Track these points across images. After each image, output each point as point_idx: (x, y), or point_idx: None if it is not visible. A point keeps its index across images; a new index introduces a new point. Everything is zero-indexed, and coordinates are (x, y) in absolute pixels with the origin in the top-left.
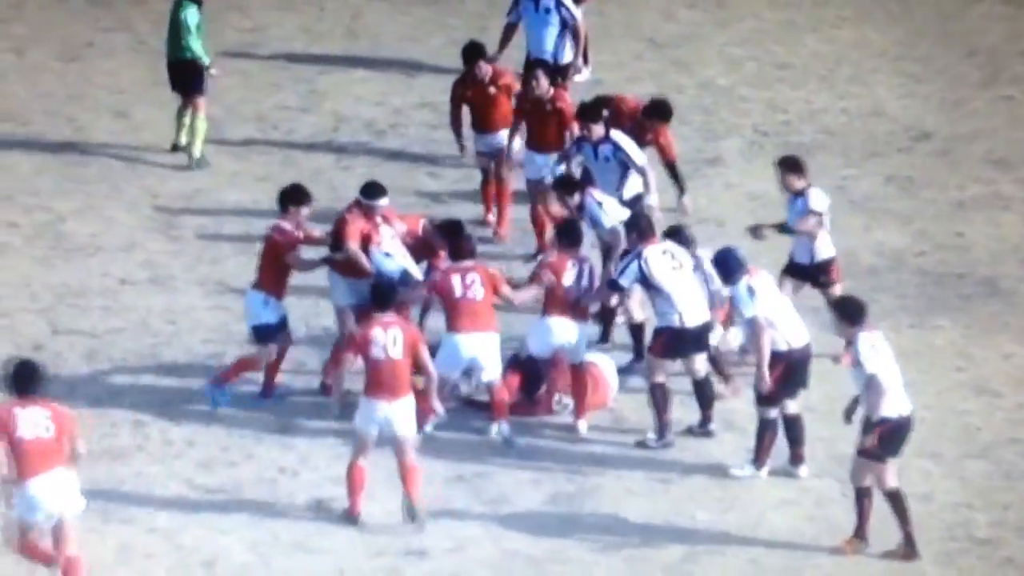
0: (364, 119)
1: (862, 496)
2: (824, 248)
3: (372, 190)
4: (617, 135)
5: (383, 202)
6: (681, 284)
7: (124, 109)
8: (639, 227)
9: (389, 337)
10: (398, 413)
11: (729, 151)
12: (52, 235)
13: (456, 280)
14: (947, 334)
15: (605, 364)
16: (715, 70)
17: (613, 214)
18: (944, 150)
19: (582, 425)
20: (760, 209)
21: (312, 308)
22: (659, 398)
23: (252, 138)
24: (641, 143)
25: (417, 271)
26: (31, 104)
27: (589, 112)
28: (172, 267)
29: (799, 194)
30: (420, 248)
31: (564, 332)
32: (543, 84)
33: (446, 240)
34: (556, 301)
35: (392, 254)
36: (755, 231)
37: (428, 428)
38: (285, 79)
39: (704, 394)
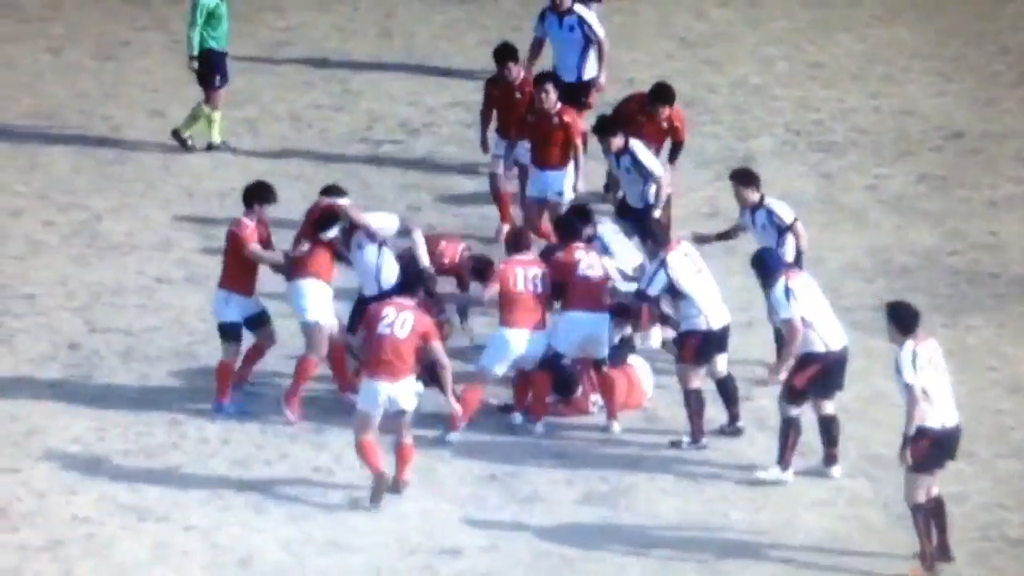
0: (398, 118)
1: (919, 514)
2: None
3: (332, 191)
4: (635, 145)
5: (346, 201)
6: (704, 286)
7: (160, 108)
8: (654, 235)
9: (400, 318)
10: (398, 392)
11: (761, 150)
12: (88, 233)
13: (519, 273)
14: (980, 333)
15: (640, 365)
16: (747, 69)
17: (622, 255)
18: (976, 149)
19: (615, 426)
20: (794, 208)
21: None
22: (695, 404)
23: (286, 137)
24: (656, 132)
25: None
26: (67, 103)
27: (607, 126)
28: (207, 265)
29: (755, 207)
30: (452, 274)
31: (587, 325)
32: (552, 97)
33: (476, 277)
34: (575, 294)
35: (363, 246)
36: (699, 239)
37: (455, 436)
38: (319, 78)
39: (728, 392)
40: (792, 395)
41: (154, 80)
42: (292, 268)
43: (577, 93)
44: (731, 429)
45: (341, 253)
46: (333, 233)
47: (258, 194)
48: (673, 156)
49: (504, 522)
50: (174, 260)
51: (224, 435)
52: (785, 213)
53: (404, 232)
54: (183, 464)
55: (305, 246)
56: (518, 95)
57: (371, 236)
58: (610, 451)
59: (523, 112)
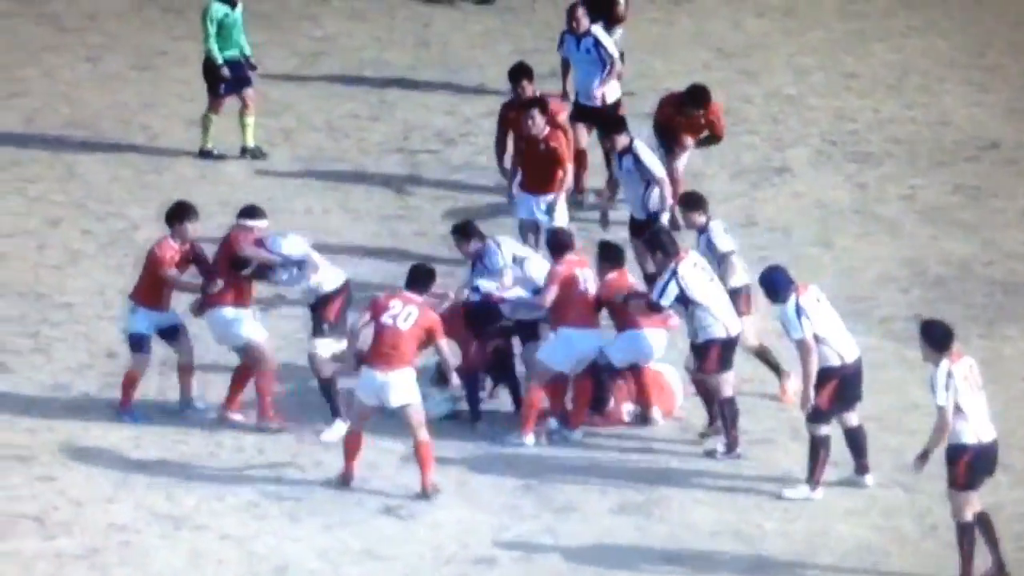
0: (434, 128)
1: (965, 534)
2: (736, 278)
3: (251, 212)
4: (639, 146)
5: (262, 223)
6: (716, 294)
7: (197, 117)
8: (663, 245)
9: (405, 311)
10: (393, 383)
11: (797, 160)
12: (125, 242)
13: (578, 274)
14: (1016, 344)
15: (670, 373)
16: (783, 79)
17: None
18: (1012, 159)
19: (656, 412)
20: (829, 218)
21: None
22: (729, 413)
23: (323, 147)
24: (694, 131)
25: (321, 260)
26: (105, 112)
27: (613, 124)
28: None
29: (702, 230)
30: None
31: (651, 341)
32: (538, 123)
33: (555, 252)
34: (628, 314)
35: (286, 235)
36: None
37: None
38: (355, 88)
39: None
40: (819, 415)
41: (191, 90)
42: (210, 297)
43: (599, 116)
44: (711, 430)
45: (262, 275)
46: (248, 271)
47: (179, 214)
48: (705, 144)
49: (538, 532)
50: None
51: (260, 444)
52: (722, 242)
53: (302, 262)
54: (219, 473)
55: (220, 282)
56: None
57: (283, 266)
58: (644, 461)
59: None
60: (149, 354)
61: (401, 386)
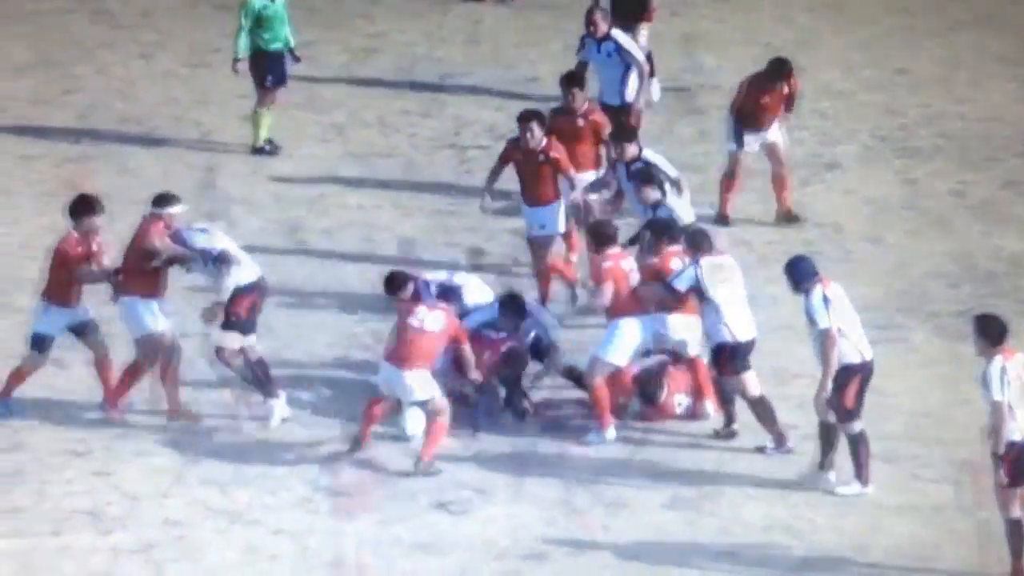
0: (485, 123)
1: (1012, 528)
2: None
3: (161, 200)
4: (649, 154)
5: (176, 209)
6: (731, 297)
7: (249, 114)
8: (696, 242)
9: (432, 315)
10: (405, 380)
11: (847, 156)
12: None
13: (624, 266)
14: None
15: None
16: (833, 75)
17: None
18: None
19: (709, 406)
20: (878, 214)
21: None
22: (761, 412)
23: (374, 143)
24: (777, 104)
25: (240, 255)
26: (159, 109)
27: (624, 133)
28: (295, 270)
29: (656, 205)
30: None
31: (684, 328)
32: (537, 135)
33: (598, 243)
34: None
35: (207, 230)
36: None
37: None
38: (407, 84)
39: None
40: (847, 415)
41: (244, 86)
42: (120, 285)
43: (620, 117)
44: (725, 431)
45: (179, 264)
46: (157, 263)
47: (83, 208)
48: (789, 106)
49: (590, 527)
50: (263, 264)
51: (313, 439)
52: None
53: (220, 256)
54: (273, 468)
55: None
56: (580, 123)
57: (198, 259)
58: (695, 456)
59: (587, 141)
60: (46, 356)
61: (411, 384)
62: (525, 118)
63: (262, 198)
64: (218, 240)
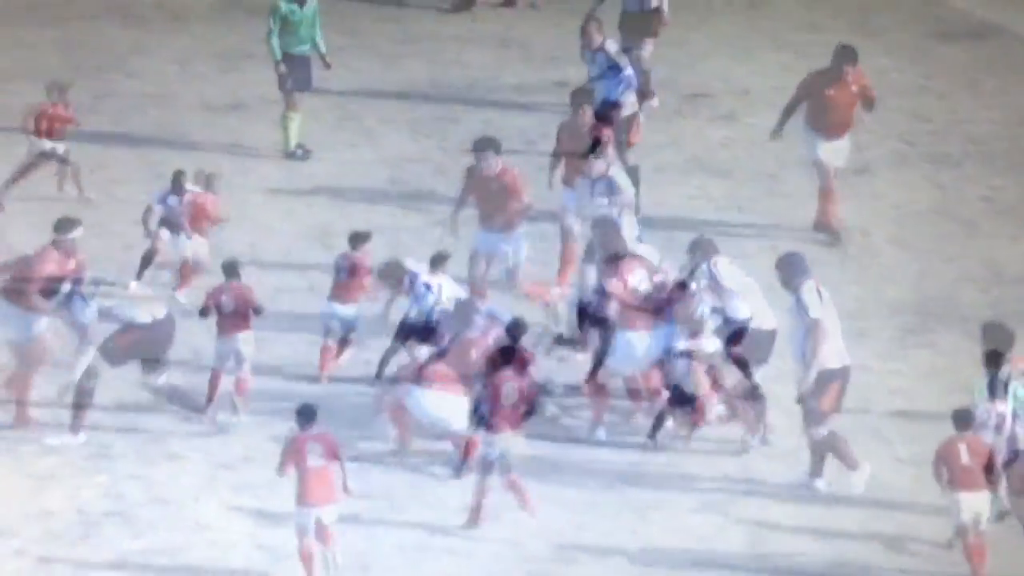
0: (515, 127)
1: None
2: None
3: (65, 225)
4: (615, 172)
5: (76, 234)
6: (746, 290)
7: (279, 118)
8: (702, 246)
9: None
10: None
11: (875, 161)
12: (211, 243)
13: (631, 279)
14: None
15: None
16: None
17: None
18: None
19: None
20: (907, 219)
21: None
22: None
23: (405, 147)
24: (846, 100)
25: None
26: (192, 115)
27: (595, 148)
28: (327, 275)
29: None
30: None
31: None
32: (491, 163)
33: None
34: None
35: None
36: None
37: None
38: (437, 89)
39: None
40: (817, 417)
41: (276, 92)
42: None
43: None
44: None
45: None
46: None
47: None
48: (869, 107)
49: (619, 529)
50: (296, 270)
51: (344, 442)
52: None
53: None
54: None
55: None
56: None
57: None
58: (724, 458)
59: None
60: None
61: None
62: (478, 145)
63: (294, 204)
64: (91, 312)
